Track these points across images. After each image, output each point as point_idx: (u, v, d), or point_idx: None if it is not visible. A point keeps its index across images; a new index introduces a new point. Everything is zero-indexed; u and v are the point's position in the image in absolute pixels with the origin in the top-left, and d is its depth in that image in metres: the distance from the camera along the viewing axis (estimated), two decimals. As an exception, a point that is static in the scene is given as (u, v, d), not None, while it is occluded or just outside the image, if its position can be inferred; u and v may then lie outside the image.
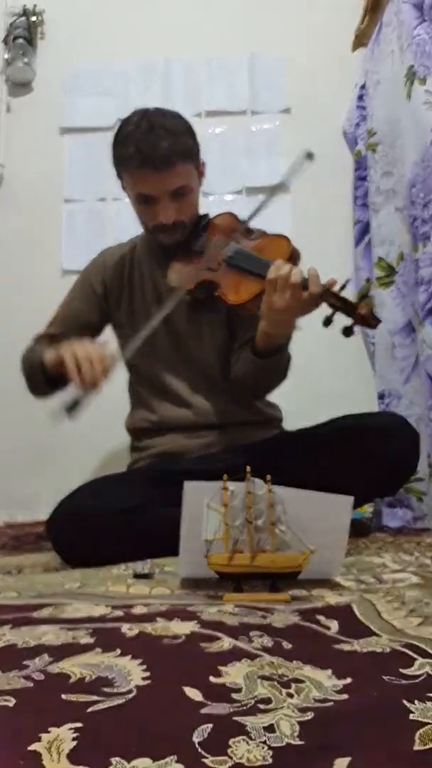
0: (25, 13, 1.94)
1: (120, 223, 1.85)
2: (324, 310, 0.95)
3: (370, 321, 0.94)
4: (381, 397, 1.60)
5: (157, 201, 1.07)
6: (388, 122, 1.56)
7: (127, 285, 1.24)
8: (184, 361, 1.17)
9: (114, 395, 1.68)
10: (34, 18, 1.94)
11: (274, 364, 1.05)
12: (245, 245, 1.10)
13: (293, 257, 1.04)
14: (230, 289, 1.07)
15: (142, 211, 1.12)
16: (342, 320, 0.95)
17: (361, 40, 1.75)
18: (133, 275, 1.24)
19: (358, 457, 1.00)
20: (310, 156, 1.03)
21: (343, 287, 0.94)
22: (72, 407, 0.95)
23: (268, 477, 0.71)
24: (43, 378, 1.11)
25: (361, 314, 0.93)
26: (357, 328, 0.97)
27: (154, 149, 1.03)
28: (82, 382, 0.95)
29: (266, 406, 1.21)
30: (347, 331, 0.94)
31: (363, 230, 1.78)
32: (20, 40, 1.91)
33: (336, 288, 0.93)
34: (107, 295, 1.24)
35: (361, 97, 1.79)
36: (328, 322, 0.93)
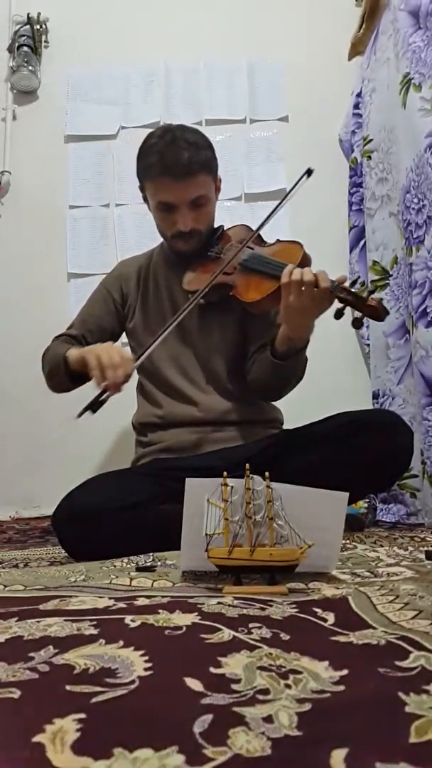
0: (30, 21, 1.95)
1: (123, 228, 1.87)
2: (335, 304, 0.99)
3: (379, 313, 0.98)
4: (375, 396, 1.62)
5: (177, 209, 1.13)
6: (384, 129, 1.57)
7: (143, 293, 1.27)
8: (192, 360, 1.19)
9: (117, 394, 1.70)
10: (38, 26, 1.95)
11: (292, 366, 1.08)
12: (260, 251, 1.15)
13: (305, 261, 1.08)
14: (245, 289, 1.11)
15: (162, 219, 1.17)
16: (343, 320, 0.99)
17: (357, 48, 1.75)
18: (149, 283, 1.27)
19: (353, 453, 1.01)
20: (309, 172, 1.08)
21: (353, 283, 0.99)
22: (94, 406, 1.00)
23: (267, 474, 0.72)
24: (66, 374, 1.14)
25: (370, 306, 0.97)
26: (367, 321, 1.01)
27: (175, 159, 1.09)
28: (105, 385, 0.99)
29: (268, 407, 1.23)
30: (356, 323, 0.99)
31: (358, 235, 1.79)
32: (25, 49, 1.92)
33: (346, 284, 0.98)
34: (124, 303, 1.28)
35: (357, 105, 1.80)
36: (339, 314, 0.98)
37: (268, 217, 1.12)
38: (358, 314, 0.98)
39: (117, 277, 1.32)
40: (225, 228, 1.25)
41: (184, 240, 1.17)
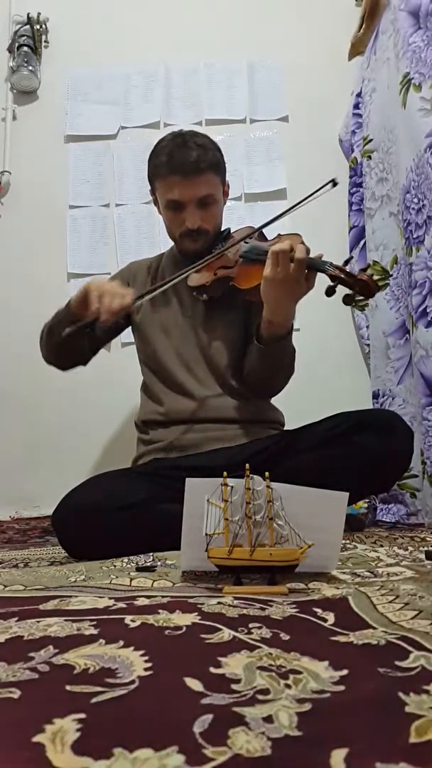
0: (30, 21, 1.95)
1: (123, 228, 1.88)
2: (327, 282, 0.98)
3: (371, 288, 0.96)
4: (375, 396, 1.62)
5: (185, 207, 1.17)
6: (384, 129, 1.57)
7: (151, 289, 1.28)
8: (196, 357, 1.20)
9: (116, 394, 1.71)
10: (38, 26, 1.95)
11: (278, 354, 1.09)
12: (258, 243, 1.17)
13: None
14: (243, 277, 1.14)
15: (171, 218, 1.21)
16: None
17: (357, 48, 1.75)
18: (157, 280, 1.29)
19: (352, 453, 1.01)
20: (335, 183, 1.07)
21: (346, 263, 0.98)
22: (81, 326, 1.03)
23: (267, 474, 0.72)
24: (66, 318, 1.13)
25: (360, 280, 0.96)
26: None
27: (184, 158, 1.15)
28: (98, 309, 1.01)
29: (270, 409, 1.24)
30: (347, 299, 0.97)
31: (358, 235, 1.79)
32: (25, 49, 1.93)
33: (338, 263, 0.98)
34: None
35: (357, 105, 1.80)
36: (330, 291, 0.97)
37: (276, 218, 1.13)
38: (348, 291, 0.98)
39: (125, 274, 1.35)
40: (231, 230, 1.27)
41: (192, 239, 1.20)
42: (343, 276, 0.96)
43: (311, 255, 1.01)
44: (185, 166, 1.14)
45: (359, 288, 0.96)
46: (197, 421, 1.16)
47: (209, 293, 1.18)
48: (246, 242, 1.17)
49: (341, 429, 1.05)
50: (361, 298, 0.98)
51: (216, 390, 1.19)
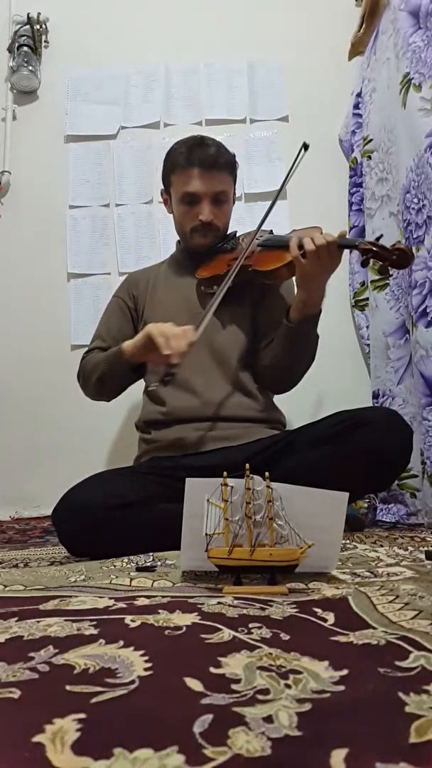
0: (30, 21, 1.95)
1: (123, 228, 1.88)
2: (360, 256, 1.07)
3: (407, 256, 1.04)
4: (375, 396, 1.62)
5: (200, 201, 1.21)
6: (384, 129, 1.57)
7: (152, 293, 1.32)
8: (203, 353, 1.20)
9: (120, 397, 1.70)
10: (38, 26, 1.95)
11: (308, 333, 1.14)
12: (276, 235, 1.24)
13: None
14: (261, 261, 1.18)
15: (184, 212, 1.25)
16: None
17: (357, 48, 1.75)
18: (158, 283, 1.32)
19: (352, 450, 1.02)
20: (306, 146, 1.13)
21: (378, 239, 1.07)
22: (165, 378, 1.04)
23: (267, 474, 0.72)
24: (126, 366, 1.15)
25: (399, 249, 1.04)
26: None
27: (204, 152, 1.21)
28: (170, 354, 1.02)
29: (273, 409, 1.24)
30: (383, 269, 1.07)
31: (358, 235, 1.80)
32: (25, 49, 1.93)
33: (370, 238, 1.08)
34: (136, 305, 1.33)
35: (357, 105, 1.80)
36: (365, 263, 1.07)
37: (275, 199, 1.18)
38: (378, 263, 1.06)
39: (126, 286, 1.37)
40: (237, 233, 1.32)
41: (202, 234, 1.24)
42: (375, 249, 1.04)
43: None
44: (205, 159, 1.20)
45: (396, 257, 1.03)
46: (200, 419, 1.16)
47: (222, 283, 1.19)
48: (259, 237, 1.22)
49: (341, 427, 1.05)
50: (395, 269, 1.06)
51: (223, 386, 1.19)
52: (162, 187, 1.33)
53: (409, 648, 0.45)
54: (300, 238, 1.09)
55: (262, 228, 1.22)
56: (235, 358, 1.21)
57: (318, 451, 1.04)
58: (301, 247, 1.07)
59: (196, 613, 0.55)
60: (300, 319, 1.12)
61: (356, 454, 1.01)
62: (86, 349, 1.30)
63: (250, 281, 1.19)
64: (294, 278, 1.15)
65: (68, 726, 0.32)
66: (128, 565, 0.85)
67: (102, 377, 1.19)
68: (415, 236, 1.35)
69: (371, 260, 1.06)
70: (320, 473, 0.87)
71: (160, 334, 1.03)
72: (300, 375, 1.21)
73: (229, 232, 1.30)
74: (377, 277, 1.60)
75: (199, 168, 1.20)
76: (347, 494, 0.72)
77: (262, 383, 1.23)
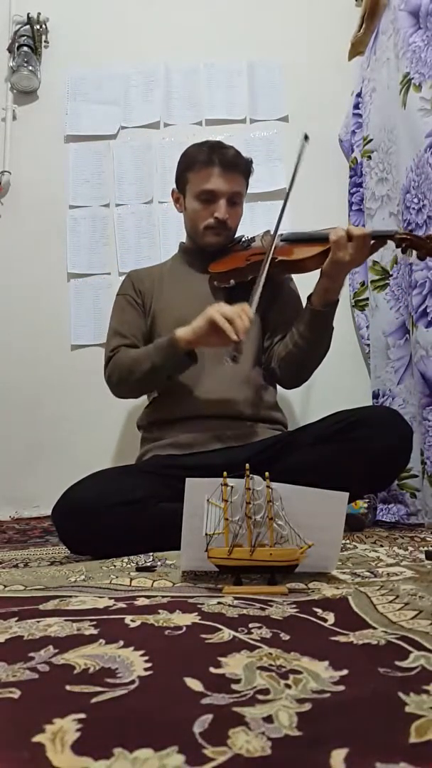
0: (29, 21, 1.95)
1: (123, 228, 1.88)
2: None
3: None
4: (375, 396, 1.62)
5: (216, 200, 1.24)
6: (384, 129, 1.57)
7: (158, 288, 1.32)
8: (214, 348, 1.18)
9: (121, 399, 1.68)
10: (38, 26, 1.95)
11: (327, 320, 1.16)
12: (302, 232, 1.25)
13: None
14: (290, 253, 1.20)
15: (199, 210, 1.26)
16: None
17: (357, 48, 1.75)
18: (165, 281, 1.33)
19: (352, 449, 1.01)
20: (306, 138, 1.18)
21: (411, 231, 1.14)
22: (235, 355, 1.05)
23: (267, 474, 0.72)
24: (182, 355, 1.14)
25: (430, 238, 1.09)
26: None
27: (224, 153, 1.25)
28: (237, 332, 1.03)
29: (276, 410, 1.24)
30: (421, 256, 1.13)
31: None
32: (25, 49, 1.92)
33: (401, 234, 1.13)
34: (144, 299, 1.32)
35: (357, 105, 1.80)
36: (405, 251, 1.12)
37: (288, 195, 1.21)
38: (412, 251, 1.12)
39: (130, 282, 1.35)
40: (249, 236, 1.33)
41: (216, 232, 1.26)
42: (412, 238, 1.10)
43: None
44: (226, 160, 1.24)
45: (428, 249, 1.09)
46: (205, 416, 1.15)
47: (240, 277, 1.21)
48: (280, 234, 1.22)
49: (341, 426, 1.05)
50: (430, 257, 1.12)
51: (233, 383, 1.18)
52: (174, 186, 1.34)
53: (409, 648, 0.45)
54: (337, 231, 1.10)
55: (270, 231, 1.23)
56: (246, 355, 1.19)
57: (318, 451, 1.04)
58: (346, 235, 1.09)
59: (196, 613, 0.55)
60: (323, 303, 1.14)
61: (356, 453, 1.01)
62: (109, 349, 1.26)
63: (271, 275, 1.17)
64: (318, 270, 1.15)
65: (68, 726, 0.32)
66: (128, 565, 0.85)
67: (153, 370, 1.15)
68: (415, 236, 1.35)
69: (409, 249, 1.11)
70: (320, 473, 0.87)
71: (222, 315, 1.04)
72: (315, 365, 1.22)
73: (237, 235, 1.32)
74: (377, 278, 1.61)
75: (219, 167, 1.23)
76: (347, 494, 0.72)
77: (276, 378, 1.25)
